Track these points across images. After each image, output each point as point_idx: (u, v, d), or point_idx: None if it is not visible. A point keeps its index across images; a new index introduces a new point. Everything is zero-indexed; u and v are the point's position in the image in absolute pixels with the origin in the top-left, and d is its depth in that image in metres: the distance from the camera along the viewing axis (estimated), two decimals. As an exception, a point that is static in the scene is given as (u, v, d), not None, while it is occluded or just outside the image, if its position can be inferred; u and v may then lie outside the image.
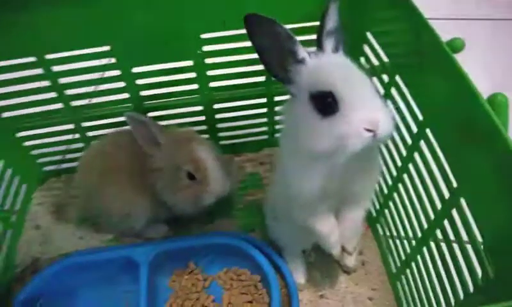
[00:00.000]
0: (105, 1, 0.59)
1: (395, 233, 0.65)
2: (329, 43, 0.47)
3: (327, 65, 0.46)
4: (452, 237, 0.49)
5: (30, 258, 0.76)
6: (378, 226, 0.72)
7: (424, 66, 0.49)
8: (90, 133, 0.78)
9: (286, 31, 0.44)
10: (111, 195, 0.68)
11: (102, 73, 0.69)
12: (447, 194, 0.48)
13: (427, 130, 0.50)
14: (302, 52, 0.46)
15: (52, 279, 0.66)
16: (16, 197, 0.79)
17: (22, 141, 0.77)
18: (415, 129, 0.53)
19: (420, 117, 0.51)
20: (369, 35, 0.63)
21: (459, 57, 0.44)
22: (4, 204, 0.75)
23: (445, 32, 0.46)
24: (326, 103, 0.42)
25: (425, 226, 0.54)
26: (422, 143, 0.52)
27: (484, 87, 0.41)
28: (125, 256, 0.67)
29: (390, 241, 0.68)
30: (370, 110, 0.41)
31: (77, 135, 0.79)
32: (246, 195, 0.82)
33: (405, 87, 0.54)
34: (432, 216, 0.52)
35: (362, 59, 0.66)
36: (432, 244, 0.53)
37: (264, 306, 0.65)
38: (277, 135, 0.84)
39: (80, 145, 0.80)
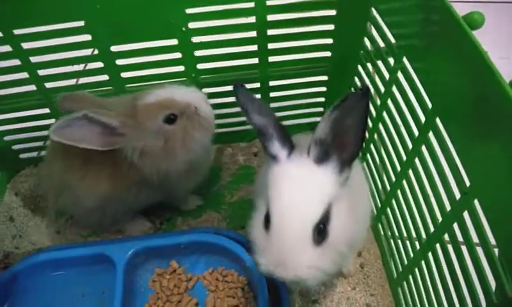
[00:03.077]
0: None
1: (397, 235, 0.59)
2: (313, 152, 0.42)
3: (280, 180, 0.42)
4: (461, 243, 0.42)
5: (1, 252, 0.70)
6: (379, 226, 0.66)
7: (436, 46, 0.42)
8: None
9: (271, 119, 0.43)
10: (80, 186, 0.61)
11: (77, 52, 0.63)
12: (457, 194, 0.42)
13: (437, 120, 0.44)
14: (277, 149, 0.43)
15: (23, 276, 0.61)
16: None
17: (-5, 125, 0.71)
18: (422, 118, 0.47)
19: (430, 105, 0.45)
20: (374, 12, 0.56)
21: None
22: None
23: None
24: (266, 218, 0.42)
25: (432, 228, 0.48)
26: (431, 135, 0.46)
27: (503, 73, 0.34)
28: (100, 253, 0.61)
29: (392, 243, 0.61)
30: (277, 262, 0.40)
31: (53, 121, 0.72)
32: (237, 189, 0.76)
33: (413, 71, 0.48)
34: (440, 218, 0.46)
35: (366, 40, 0.59)
36: (439, 249, 0.47)
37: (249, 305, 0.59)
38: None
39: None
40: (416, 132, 0.49)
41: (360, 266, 0.66)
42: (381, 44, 0.55)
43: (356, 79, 0.65)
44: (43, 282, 0.62)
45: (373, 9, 0.56)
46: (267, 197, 0.42)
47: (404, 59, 0.49)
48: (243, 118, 0.75)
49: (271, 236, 0.41)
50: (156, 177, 0.59)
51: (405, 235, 0.56)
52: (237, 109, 0.73)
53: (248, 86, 0.68)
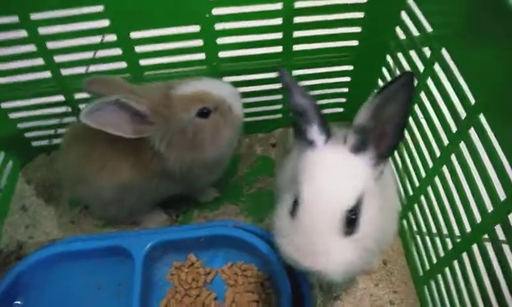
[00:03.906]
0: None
1: (425, 230, 0.57)
2: (350, 140, 0.40)
3: (315, 165, 0.41)
4: (504, 242, 0.40)
5: (15, 242, 0.69)
6: (404, 222, 0.64)
7: (485, 37, 0.40)
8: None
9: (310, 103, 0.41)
10: (99, 176, 0.59)
11: (95, 37, 0.60)
12: (502, 195, 0.39)
13: (481, 116, 0.41)
14: (315, 134, 0.42)
15: (38, 267, 0.60)
16: (1, 174, 0.71)
17: (8, 112, 0.69)
18: (462, 114, 0.45)
19: (472, 100, 0.42)
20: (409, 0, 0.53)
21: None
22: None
23: None
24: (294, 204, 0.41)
25: (468, 228, 0.46)
26: (472, 131, 0.43)
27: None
28: (118, 246, 0.60)
29: (419, 240, 0.60)
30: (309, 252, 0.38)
31: (68, 109, 0.70)
32: (255, 181, 0.74)
33: (453, 63, 0.45)
34: (478, 219, 0.44)
35: (397, 29, 0.57)
36: (476, 250, 0.45)
37: (269, 301, 0.57)
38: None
39: (72, 119, 0.72)
40: (454, 128, 0.46)
41: (383, 262, 0.64)
42: (415, 33, 0.53)
43: (384, 70, 0.62)
44: (58, 274, 0.60)
45: (407, -3, 0.53)
46: (296, 184, 0.41)
47: (443, 51, 0.47)
48: (263, 108, 0.75)
49: (299, 222, 0.39)
50: (179, 169, 0.57)
51: (434, 231, 0.54)
52: (256, 99, 0.72)
53: (270, 75, 0.68)
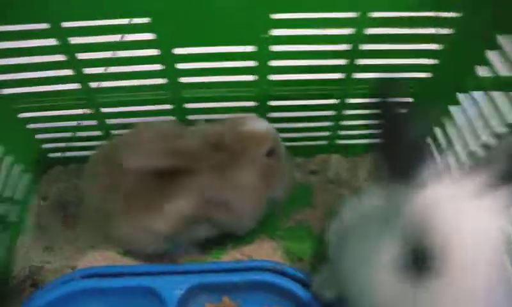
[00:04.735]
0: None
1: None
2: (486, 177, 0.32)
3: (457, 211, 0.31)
4: None
5: (29, 266, 0.62)
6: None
7: None
8: (110, 121, 0.63)
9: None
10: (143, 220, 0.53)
11: (130, 52, 0.53)
12: None
13: None
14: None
15: (58, 304, 0.53)
16: (16, 188, 0.64)
17: (25, 122, 0.62)
18: None
19: None
20: (501, 39, 0.46)
21: None
22: (1, 198, 0.61)
23: None
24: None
25: None
26: None
27: None
28: (148, 287, 0.54)
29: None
30: None
31: (93, 122, 0.63)
32: (294, 212, 0.67)
33: None
34: None
35: (479, 69, 0.50)
36: None
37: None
38: (340, 141, 0.69)
39: (98, 133, 0.65)
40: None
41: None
42: (502, 73, 0.47)
43: (453, 109, 0.56)
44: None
45: (500, 37, 0.47)
46: (415, 232, 0.32)
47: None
48: (307, 134, 0.68)
49: (445, 285, 0.30)
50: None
51: None
52: (301, 125, 0.66)
53: (324, 102, 0.61)
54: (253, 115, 0.56)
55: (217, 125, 0.54)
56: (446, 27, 0.49)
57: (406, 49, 0.52)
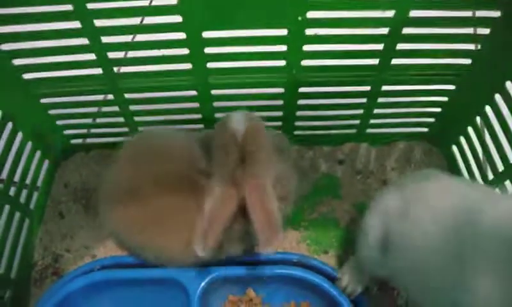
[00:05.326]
0: None
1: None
2: None
3: None
4: None
5: (51, 254, 0.61)
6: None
7: None
8: (133, 107, 0.61)
9: None
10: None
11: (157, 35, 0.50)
12: None
13: None
14: None
15: (79, 295, 0.52)
16: (38, 174, 0.63)
17: (47, 108, 0.60)
18: None
19: None
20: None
21: None
22: (22, 185, 0.59)
23: None
24: None
25: None
26: None
27: None
28: (172, 279, 0.52)
29: None
30: None
31: (115, 108, 0.61)
32: (319, 203, 0.65)
33: None
34: None
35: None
36: None
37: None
38: (370, 130, 0.66)
39: (120, 119, 0.63)
40: None
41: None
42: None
43: (498, 97, 0.52)
44: (100, 303, 0.53)
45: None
46: None
47: None
48: (336, 122, 0.65)
49: None
50: None
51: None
52: (330, 112, 0.63)
53: (354, 88, 0.58)
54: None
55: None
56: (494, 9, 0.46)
57: (448, 34, 0.49)
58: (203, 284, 0.51)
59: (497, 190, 0.52)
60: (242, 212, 0.46)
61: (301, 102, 0.59)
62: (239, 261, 0.55)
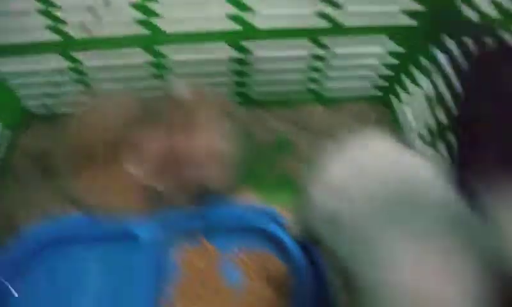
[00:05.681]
0: None
1: None
2: None
3: None
4: None
5: (7, 216, 0.62)
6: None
7: None
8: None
9: None
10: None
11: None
12: None
13: None
14: None
15: (36, 251, 0.55)
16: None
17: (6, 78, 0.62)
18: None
19: None
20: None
21: None
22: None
23: None
24: None
25: None
26: None
27: None
28: (125, 230, 0.55)
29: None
30: None
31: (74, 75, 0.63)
32: (275, 164, 0.68)
33: None
34: None
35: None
36: None
37: (289, 299, 0.54)
38: (324, 92, 0.70)
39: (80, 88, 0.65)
40: None
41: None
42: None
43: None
44: (59, 258, 0.56)
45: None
46: None
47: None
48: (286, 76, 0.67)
49: None
50: None
51: None
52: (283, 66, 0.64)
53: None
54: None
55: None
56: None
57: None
58: (158, 236, 0.54)
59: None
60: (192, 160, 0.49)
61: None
62: (189, 212, 0.58)
